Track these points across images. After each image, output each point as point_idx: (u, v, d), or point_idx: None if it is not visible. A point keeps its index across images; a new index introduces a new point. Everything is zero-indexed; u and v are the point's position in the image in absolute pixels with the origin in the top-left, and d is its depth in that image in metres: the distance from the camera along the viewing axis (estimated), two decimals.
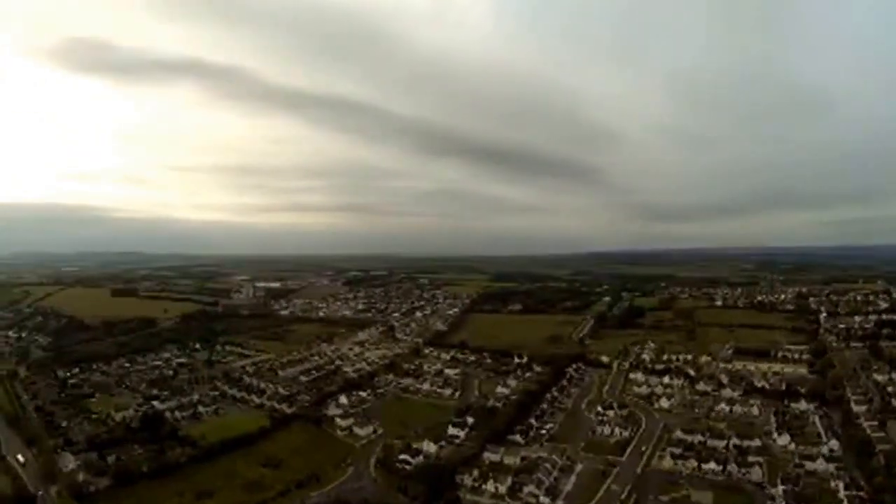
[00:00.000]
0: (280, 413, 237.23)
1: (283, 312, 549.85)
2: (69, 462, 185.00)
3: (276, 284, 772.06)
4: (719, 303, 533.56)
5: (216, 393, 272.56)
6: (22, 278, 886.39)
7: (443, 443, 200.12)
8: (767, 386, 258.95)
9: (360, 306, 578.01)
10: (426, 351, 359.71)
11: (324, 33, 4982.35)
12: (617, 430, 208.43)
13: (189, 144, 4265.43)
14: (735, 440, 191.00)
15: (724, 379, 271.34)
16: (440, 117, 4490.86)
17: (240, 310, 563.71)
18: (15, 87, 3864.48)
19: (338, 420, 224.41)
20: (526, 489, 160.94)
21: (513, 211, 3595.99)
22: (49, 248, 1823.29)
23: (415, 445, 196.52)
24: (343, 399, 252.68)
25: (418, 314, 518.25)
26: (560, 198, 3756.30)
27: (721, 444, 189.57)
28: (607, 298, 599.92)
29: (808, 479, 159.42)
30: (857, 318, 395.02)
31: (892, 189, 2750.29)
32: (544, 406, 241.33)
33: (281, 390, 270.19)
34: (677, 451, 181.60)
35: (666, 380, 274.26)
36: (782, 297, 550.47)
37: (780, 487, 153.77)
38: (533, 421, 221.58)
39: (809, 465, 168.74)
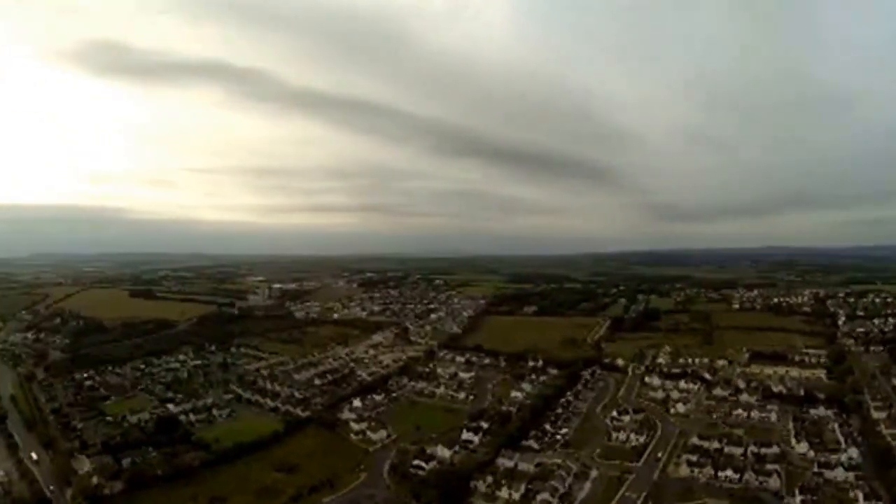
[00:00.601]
0: (294, 417, 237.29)
1: (299, 314, 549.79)
2: (84, 465, 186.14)
3: (293, 286, 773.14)
4: (736, 305, 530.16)
5: (230, 396, 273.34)
6: (40, 279, 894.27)
7: (457, 448, 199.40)
8: (785, 391, 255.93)
9: (376, 308, 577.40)
10: (441, 354, 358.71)
11: (344, 35, 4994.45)
12: (633, 435, 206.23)
13: (210, 146, 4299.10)
14: (753, 447, 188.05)
15: (741, 383, 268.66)
16: (459, 118, 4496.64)
17: (256, 311, 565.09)
18: (37, 91, 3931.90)
19: (352, 424, 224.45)
20: (540, 496, 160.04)
21: (530, 211, 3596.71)
22: (71, 249, 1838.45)
23: (429, 450, 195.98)
24: (357, 403, 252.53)
25: (433, 316, 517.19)
26: (577, 198, 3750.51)
27: (738, 451, 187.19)
28: (623, 300, 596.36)
29: (826, 489, 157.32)
30: (875, 321, 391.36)
31: None
32: (559, 411, 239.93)
33: (295, 394, 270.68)
34: (694, 458, 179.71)
35: (682, 384, 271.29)
36: (799, 299, 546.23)
37: (799, 497, 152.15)
38: (548, 426, 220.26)
39: (828, 474, 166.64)
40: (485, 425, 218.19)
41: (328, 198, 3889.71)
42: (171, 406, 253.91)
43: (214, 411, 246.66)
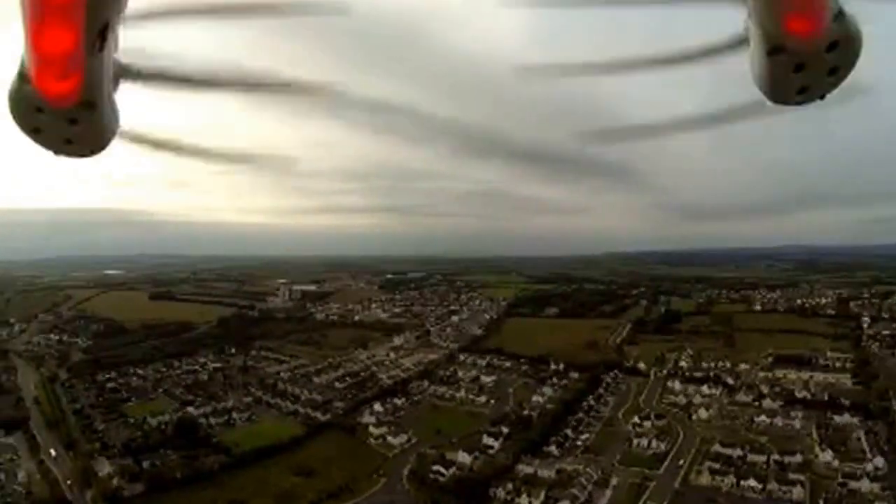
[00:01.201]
0: (314, 420, 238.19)
1: (319, 316, 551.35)
2: (105, 467, 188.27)
3: (313, 287, 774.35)
4: (758, 307, 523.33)
5: (250, 399, 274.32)
6: (63, 280, 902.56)
7: (477, 453, 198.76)
8: (809, 396, 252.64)
9: (397, 310, 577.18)
10: (462, 357, 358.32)
11: (361, 35, 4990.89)
12: (654, 442, 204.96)
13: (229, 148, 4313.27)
14: (776, 455, 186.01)
15: (764, 388, 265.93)
16: (478, 118, 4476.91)
17: (276, 313, 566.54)
18: None
19: (371, 428, 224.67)
20: None
21: (550, 211, 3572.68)
22: (95, 251, 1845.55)
23: (448, 456, 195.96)
24: (377, 407, 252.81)
25: (454, 318, 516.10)
26: (597, 197, 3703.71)
27: (761, 459, 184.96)
28: (644, 302, 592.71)
29: (851, 500, 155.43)
30: None
31: None
32: (580, 416, 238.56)
33: (315, 397, 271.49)
34: (716, 466, 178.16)
35: (704, 389, 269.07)
36: (822, 300, 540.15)
37: None
38: (569, 431, 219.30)
39: (853, 485, 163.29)
40: (505, 430, 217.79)
41: (347, 199, 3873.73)
42: (191, 409, 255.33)
43: (234, 414, 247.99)
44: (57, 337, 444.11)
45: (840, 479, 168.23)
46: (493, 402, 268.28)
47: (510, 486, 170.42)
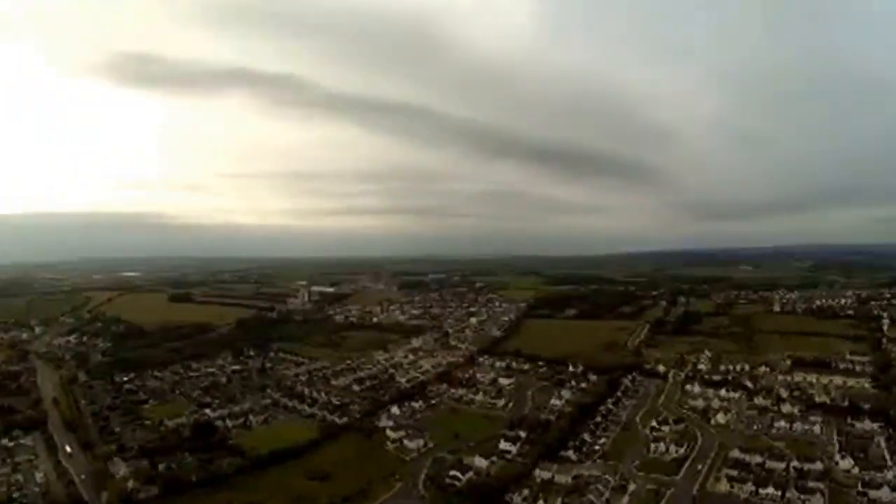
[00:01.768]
0: (331, 423, 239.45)
1: (338, 318, 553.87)
2: (121, 468, 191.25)
3: (332, 289, 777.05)
4: (777, 308, 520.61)
5: (268, 401, 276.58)
6: (84, 283, 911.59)
7: (494, 458, 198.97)
8: (828, 401, 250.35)
9: (415, 311, 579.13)
10: (480, 359, 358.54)
11: (374, 37, 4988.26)
12: (672, 447, 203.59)
13: (244, 152, 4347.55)
14: (795, 462, 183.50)
15: (783, 392, 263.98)
16: (494, 118, 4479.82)
17: (295, 315, 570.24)
18: (76, 103, 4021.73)
19: (388, 432, 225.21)
20: None
21: (567, 211, 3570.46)
22: (114, 254, 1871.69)
23: (465, 460, 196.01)
24: (395, 410, 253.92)
25: (473, 320, 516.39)
26: (615, 197, 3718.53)
27: (780, 466, 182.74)
28: (663, 303, 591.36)
29: None
30: None
31: None
32: (598, 419, 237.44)
33: (333, 400, 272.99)
34: (734, 472, 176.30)
35: (723, 392, 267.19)
36: (842, 301, 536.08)
37: None
38: (586, 435, 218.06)
39: (873, 494, 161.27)
40: (523, 434, 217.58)
41: (364, 200, 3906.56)
42: (208, 411, 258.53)
43: (251, 417, 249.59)
44: (77, 339, 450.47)
45: (860, 488, 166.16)
46: (511, 405, 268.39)
47: (526, 491, 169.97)
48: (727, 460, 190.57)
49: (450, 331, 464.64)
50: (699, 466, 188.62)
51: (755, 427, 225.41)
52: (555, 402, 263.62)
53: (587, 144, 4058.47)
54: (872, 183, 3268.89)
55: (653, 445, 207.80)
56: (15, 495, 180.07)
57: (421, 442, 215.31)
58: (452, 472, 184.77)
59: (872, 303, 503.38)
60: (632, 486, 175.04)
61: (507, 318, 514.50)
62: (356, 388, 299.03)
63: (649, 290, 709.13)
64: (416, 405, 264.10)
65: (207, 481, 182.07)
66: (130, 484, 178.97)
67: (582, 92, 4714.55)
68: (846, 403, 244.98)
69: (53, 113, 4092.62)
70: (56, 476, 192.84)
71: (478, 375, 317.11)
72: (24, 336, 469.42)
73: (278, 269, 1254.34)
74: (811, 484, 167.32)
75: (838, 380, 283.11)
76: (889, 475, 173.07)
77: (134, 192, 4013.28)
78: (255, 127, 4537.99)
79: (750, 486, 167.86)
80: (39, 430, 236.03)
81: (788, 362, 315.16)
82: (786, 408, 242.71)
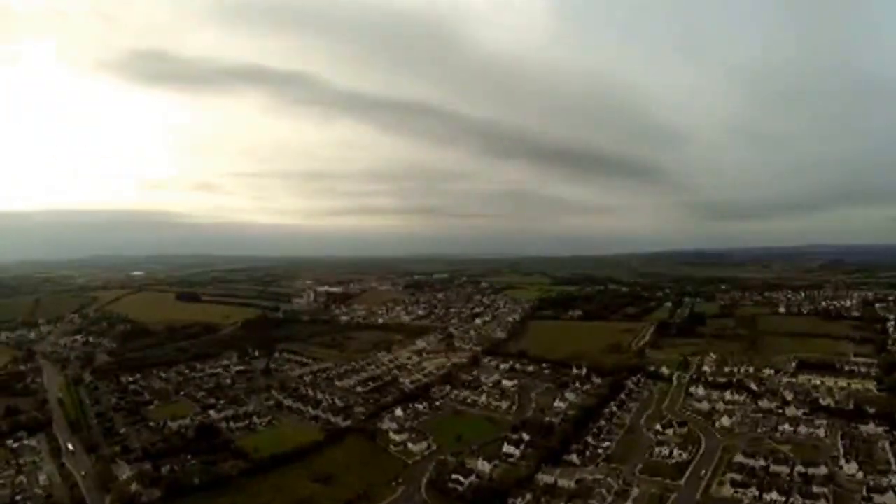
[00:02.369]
0: (334, 426, 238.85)
1: (344, 318, 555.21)
2: (124, 471, 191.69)
3: (338, 289, 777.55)
4: (782, 309, 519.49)
5: (272, 403, 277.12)
6: (92, 281, 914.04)
7: (496, 461, 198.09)
8: (833, 404, 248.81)
9: (421, 312, 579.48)
10: (485, 360, 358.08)
11: (388, 37, 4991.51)
12: (676, 450, 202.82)
13: (257, 151, 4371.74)
14: (799, 467, 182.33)
15: (788, 395, 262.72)
16: (506, 118, 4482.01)
17: (300, 315, 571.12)
18: (88, 101, 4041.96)
19: (392, 435, 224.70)
20: None
21: (577, 211, 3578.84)
22: (124, 252, 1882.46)
23: (468, 464, 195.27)
24: (399, 412, 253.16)
25: (478, 321, 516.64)
26: (624, 197, 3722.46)
27: (784, 470, 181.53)
28: (668, 304, 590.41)
29: None
30: None
31: None
32: (602, 423, 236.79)
33: (337, 402, 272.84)
34: (738, 477, 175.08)
35: (727, 395, 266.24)
36: (847, 302, 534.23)
37: None
38: (590, 439, 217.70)
39: (878, 499, 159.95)
40: (526, 437, 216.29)
41: (375, 200, 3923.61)
42: (212, 412, 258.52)
43: (255, 419, 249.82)
44: (83, 338, 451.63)
45: (865, 493, 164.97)
46: (514, 407, 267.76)
47: (529, 496, 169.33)
48: (731, 464, 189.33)
49: (454, 332, 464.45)
50: (703, 471, 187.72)
51: (760, 430, 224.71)
52: (559, 404, 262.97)
53: (599, 144, 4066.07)
54: (884, 182, 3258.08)
55: (656, 449, 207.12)
56: (18, 498, 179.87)
57: (424, 445, 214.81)
58: (455, 476, 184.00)
59: (878, 304, 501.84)
60: (635, 491, 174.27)
61: (511, 319, 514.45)
62: (360, 389, 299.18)
63: (655, 291, 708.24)
64: (419, 407, 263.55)
65: (210, 484, 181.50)
66: (133, 487, 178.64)
67: (595, 92, 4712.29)
68: (851, 406, 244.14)
69: (66, 110, 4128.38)
70: (60, 478, 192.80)
71: (481, 377, 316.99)
72: (31, 335, 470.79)
73: (288, 267, 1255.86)
74: (815, 489, 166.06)
75: (843, 382, 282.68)
76: (894, 480, 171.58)
77: (146, 191, 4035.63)
78: (269, 126, 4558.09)
79: (754, 491, 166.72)
80: (44, 432, 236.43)
81: (793, 364, 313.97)
82: (790, 411, 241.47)
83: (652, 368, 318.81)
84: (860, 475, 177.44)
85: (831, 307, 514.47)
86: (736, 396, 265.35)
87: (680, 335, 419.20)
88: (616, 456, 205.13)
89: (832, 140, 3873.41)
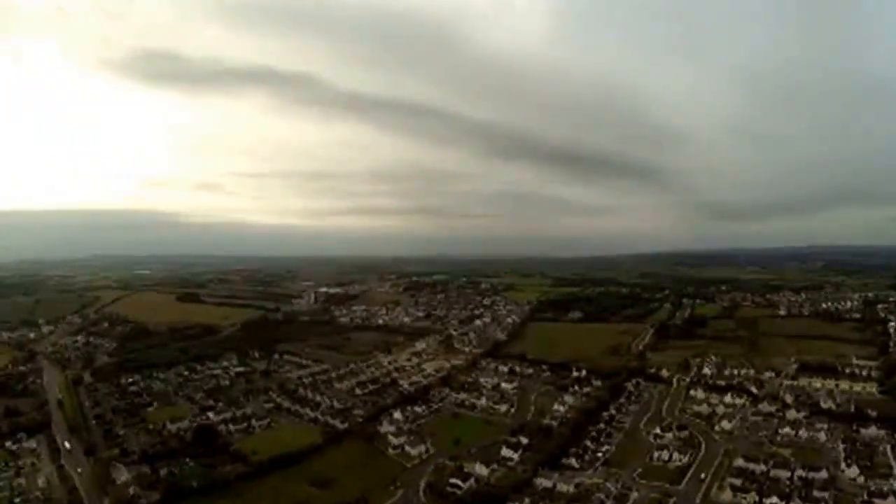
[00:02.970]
0: (333, 428, 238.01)
1: (343, 320, 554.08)
2: (122, 474, 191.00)
3: (338, 290, 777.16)
4: (783, 311, 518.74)
5: (271, 405, 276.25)
6: (93, 280, 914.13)
7: (495, 465, 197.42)
8: (834, 407, 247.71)
9: (420, 313, 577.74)
10: (484, 363, 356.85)
11: (391, 38, 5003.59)
12: (675, 454, 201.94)
13: (258, 151, 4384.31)
14: (800, 471, 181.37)
15: (789, 398, 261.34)
16: (508, 119, 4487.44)
17: (300, 316, 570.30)
18: (92, 100, 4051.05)
19: (390, 438, 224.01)
20: None
21: (579, 212, 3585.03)
22: (125, 251, 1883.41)
23: (466, 468, 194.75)
24: (397, 415, 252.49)
25: (478, 322, 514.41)
26: (625, 198, 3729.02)
27: (785, 474, 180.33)
28: (668, 305, 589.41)
29: None
30: None
31: None
32: (601, 426, 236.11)
33: (335, 404, 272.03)
34: (738, 481, 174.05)
35: (727, 398, 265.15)
36: (848, 303, 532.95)
37: None
38: (589, 443, 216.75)
39: (879, 503, 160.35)
40: (525, 441, 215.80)
41: (376, 200, 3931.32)
42: (211, 414, 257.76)
43: (254, 421, 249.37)
44: (83, 339, 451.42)
45: (866, 498, 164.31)
46: (513, 410, 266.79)
47: (528, 500, 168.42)
48: (731, 469, 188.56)
49: (454, 333, 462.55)
50: (702, 475, 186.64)
51: (760, 434, 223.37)
52: (558, 407, 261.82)
53: (600, 145, 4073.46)
54: (884, 182, 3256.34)
55: (656, 453, 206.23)
56: (17, 500, 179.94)
57: (422, 448, 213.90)
58: (453, 480, 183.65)
59: (880, 305, 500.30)
60: (634, 495, 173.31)
61: (511, 321, 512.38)
62: (359, 391, 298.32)
63: (655, 292, 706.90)
64: (418, 410, 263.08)
65: (208, 487, 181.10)
66: (132, 490, 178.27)
67: (596, 93, 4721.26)
68: (852, 409, 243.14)
69: (67, 109, 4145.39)
70: (58, 481, 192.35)
71: (481, 379, 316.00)
72: (32, 335, 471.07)
73: (289, 268, 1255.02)
74: (816, 493, 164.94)
75: (844, 385, 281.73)
76: (895, 484, 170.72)
77: (148, 190, 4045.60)
78: (270, 126, 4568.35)
79: (754, 496, 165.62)
80: (43, 433, 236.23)
81: (794, 367, 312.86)
82: (791, 414, 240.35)
83: (652, 371, 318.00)
84: (861, 479, 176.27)
85: (832, 309, 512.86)
86: (736, 399, 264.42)
87: (680, 337, 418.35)
88: (615, 460, 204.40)
89: (832, 140, 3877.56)
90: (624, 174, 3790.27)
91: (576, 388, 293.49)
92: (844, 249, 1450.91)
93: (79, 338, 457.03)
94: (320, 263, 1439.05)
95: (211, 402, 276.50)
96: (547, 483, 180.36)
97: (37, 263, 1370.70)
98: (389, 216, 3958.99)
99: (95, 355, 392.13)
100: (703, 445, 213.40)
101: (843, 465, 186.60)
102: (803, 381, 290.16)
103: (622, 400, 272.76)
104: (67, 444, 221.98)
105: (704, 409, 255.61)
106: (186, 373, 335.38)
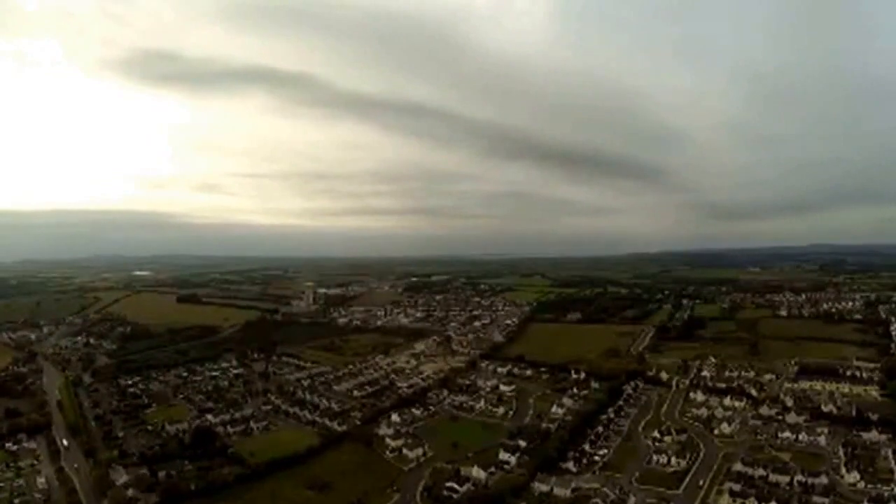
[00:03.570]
0: (331, 431, 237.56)
1: (342, 321, 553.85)
2: (121, 476, 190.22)
3: (337, 291, 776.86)
4: (784, 312, 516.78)
5: (269, 407, 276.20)
6: (94, 281, 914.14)
7: (492, 469, 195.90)
8: (835, 410, 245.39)
9: (419, 314, 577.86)
10: (482, 364, 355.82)
11: (391, 39, 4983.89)
12: (674, 458, 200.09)
13: (258, 151, 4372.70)
14: (800, 476, 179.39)
15: (789, 401, 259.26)
16: (508, 120, 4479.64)
17: (299, 318, 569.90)
18: (91, 100, 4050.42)
19: (388, 440, 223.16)
20: None
21: (578, 212, 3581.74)
22: (125, 252, 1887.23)
23: (463, 471, 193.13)
24: (395, 417, 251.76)
25: (477, 324, 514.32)
26: (625, 198, 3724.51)
27: (784, 479, 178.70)
28: (668, 306, 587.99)
29: None
30: None
31: None
32: (600, 429, 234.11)
33: (334, 406, 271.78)
34: (737, 487, 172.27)
35: (727, 401, 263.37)
36: (849, 304, 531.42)
37: None
38: (587, 446, 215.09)
39: None
40: (522, 444, 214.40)
41: (376, 201, 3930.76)
42: (209, 416, 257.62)
43: (252, 423, 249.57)
44: (84, 340, 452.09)
45: (866, 503, 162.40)
46: (511, 412, 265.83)
47: None
48: (730, 473, 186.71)
49: (452, 335, 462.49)
50: (701, 480, 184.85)
51: (759, 437, 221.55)
52: (556, 410, 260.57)
53: (600, 145, 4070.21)
54: (884, 182, 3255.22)
55: (654, 457, 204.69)
56: (17, 501, 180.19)
57: (420, 451, 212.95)
58: (450, 484, 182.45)
59: (881, 306, 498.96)
60: (631, 500, 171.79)
61: (510, 322, 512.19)
62: (357, 393, 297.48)
63: (654, 293, 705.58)
64: (416, 412, 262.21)
65: (206, 490, 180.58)
66: (130, 492, 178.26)
67: (596, 93, 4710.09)
68: (853, 413, 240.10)
69: (67, 109, 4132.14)
70: (58, 482, 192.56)
71: (479, 382, 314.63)
72: (33, 337, 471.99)
73: (289, 268, 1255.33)
74: (816, 499, 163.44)
75: (845, 387, 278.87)
76: None
77: (148, 191, 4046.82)
78: (271, 126, 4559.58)
79: (753, 501, 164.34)
80: (43, 434, 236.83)
81: (795, 369, 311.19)
82: (791, 417, 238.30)
83: (651, 373, 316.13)
84: (862, 485, 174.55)
85: (833, 310, 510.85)
86: (736, 402, 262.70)
87: (679, 339, 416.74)
88: (613, 464, 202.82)
89: (832, 140, 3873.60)
90: (624, 174, 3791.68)
91: (574, 390, 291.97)
92: (845, 249, 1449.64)
93: (79, 339, 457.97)
94: (319, 264, 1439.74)
95: (210, 404, 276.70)
96: (544, 487, 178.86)
97: (36, 264, 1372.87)
98: (389, 216, 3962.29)
99: (95, 356, 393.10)
100: (702, 449, 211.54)
101: (843, 470, 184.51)
102: (804, 384, 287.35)
103: (621, 402, 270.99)
104: (67, 445, 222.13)
105: (703, 412, 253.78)
106: (186, 374, 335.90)
